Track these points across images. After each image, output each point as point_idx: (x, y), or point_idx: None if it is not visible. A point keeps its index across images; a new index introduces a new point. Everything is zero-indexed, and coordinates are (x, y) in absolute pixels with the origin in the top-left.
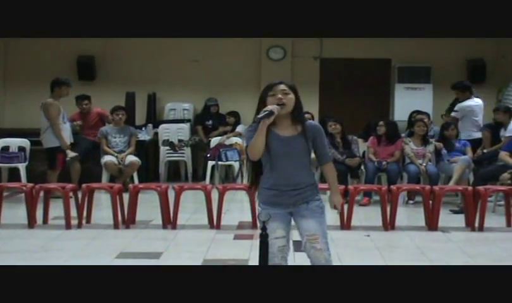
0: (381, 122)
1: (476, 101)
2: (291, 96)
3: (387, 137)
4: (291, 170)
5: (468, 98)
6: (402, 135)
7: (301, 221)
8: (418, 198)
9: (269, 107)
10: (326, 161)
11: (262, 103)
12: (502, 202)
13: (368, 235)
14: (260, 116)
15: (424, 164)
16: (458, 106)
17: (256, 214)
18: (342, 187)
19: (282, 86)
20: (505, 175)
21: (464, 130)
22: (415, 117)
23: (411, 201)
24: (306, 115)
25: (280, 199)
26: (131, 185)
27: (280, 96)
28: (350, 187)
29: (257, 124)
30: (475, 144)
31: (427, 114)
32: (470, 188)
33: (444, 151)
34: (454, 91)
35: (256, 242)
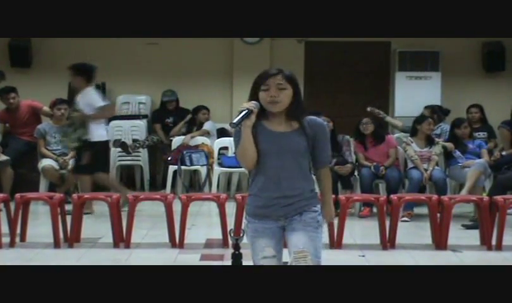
0: (366, 120)
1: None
2: (288, 91)
3: (375, 136)
4: (283, 172)
5: (86, 86)
6: (402, 134)
7: (291, 235)
8: (420, 210)
9: (245, 105)
10: (323, 165)
11: (253, 95)
12: None
13: (363, 256)
14: (235, 122)
15: (431, 168)
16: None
17: (227, 229)
18: (333, 196)
19: (279, 79)
20: None
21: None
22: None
23: (406, 218)
24: None
25: (269, 210)
26: (75, 195)
27: (273, 93)
28: (341, 197)
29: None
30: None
31: (446, 111)
32: (486, 198)
33: (458, 153)
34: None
35: (228, 264)
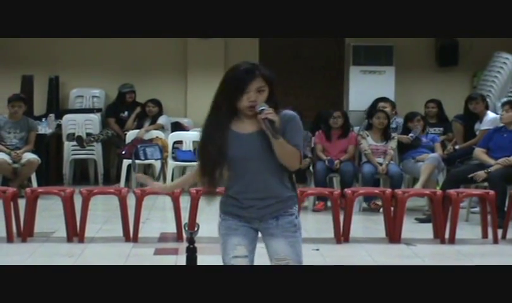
0: (337, 113)
1: None
2: (266, 92)
3: (343, 130)
4: (257, 177)
5: None
6: (356, 128)
7: (269, 241)
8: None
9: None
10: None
11: (233, 96)
12: (477, 209)
13: (317, 249)
14: (263, 108)
15: (386, 162)
16: None
17: (182, 223)
18: None
19: (260, 82)
20: (480, 173)
21: None
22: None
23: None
24: None
25: (245, 211)
26: (28, 189)
27: (253, 98)
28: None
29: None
30: None
31: (392, 103)
32: (439, 192)
33: (413, 134)
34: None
35: (182, 258)
